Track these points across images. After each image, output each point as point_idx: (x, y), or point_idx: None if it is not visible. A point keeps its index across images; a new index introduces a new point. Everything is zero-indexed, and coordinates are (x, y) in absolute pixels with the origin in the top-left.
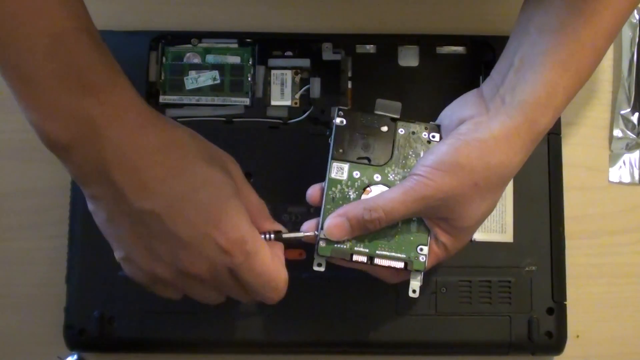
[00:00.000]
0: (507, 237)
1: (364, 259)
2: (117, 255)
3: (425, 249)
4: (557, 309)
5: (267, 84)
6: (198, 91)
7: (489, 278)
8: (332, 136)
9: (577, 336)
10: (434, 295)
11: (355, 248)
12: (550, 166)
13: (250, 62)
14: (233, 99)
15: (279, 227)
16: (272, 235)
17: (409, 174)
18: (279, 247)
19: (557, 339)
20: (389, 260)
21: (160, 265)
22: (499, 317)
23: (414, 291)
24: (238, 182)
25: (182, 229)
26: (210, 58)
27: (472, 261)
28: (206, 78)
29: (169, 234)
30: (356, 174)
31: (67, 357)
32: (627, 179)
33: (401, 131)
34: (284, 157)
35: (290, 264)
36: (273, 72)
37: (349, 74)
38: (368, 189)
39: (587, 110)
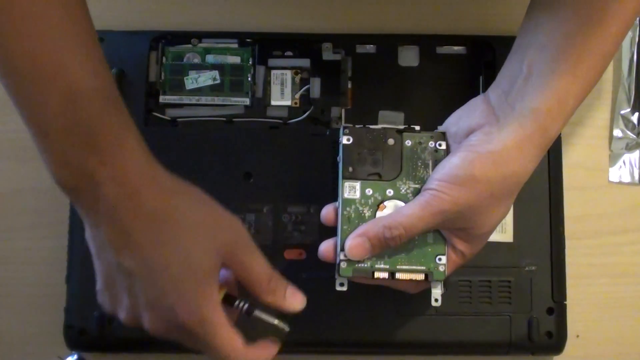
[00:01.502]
0: (507, 237)
1: (385, 275)
2: (97, 284)
3: (444, 258)
4: (557, 309)
5: (267, 84)
6: (198, 91)
7: (489, 278)
8: (340, 156)
9: (577, 336)
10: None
11: (376, 265)
12: (550, 166)
13: (250, 62)
14: (233, 99)
15: (279, 302)
16: (245, 307)
17: (424, 188)
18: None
19: (557, 339)
20: (409, 273)
21: (124, 313)
22: (499, 317)
23: (436, 300)
24: (239, 250)
25: (152, 295)
26: (210, 58)
27: (472, 261)
28: (206, 78)
29: (139, 294)
30: (368, 192)
31: (67, 357)
32: (627, 179)
33: (408, 142)
34: (284, 157)
35: (290, 264)
36: (273, 72)
37: (349, 74)
38: (382, 204)
39: (587, 110)
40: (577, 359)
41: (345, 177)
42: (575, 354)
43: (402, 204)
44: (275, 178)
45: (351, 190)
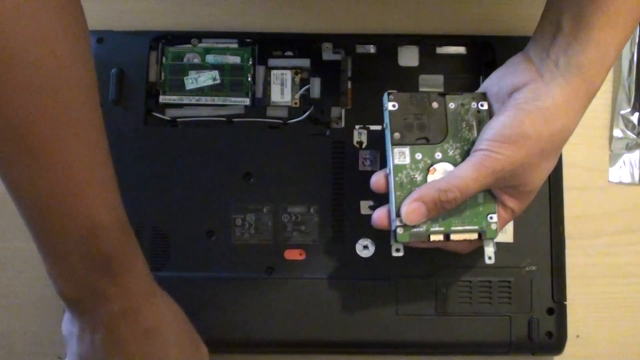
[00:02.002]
0: (507, 237)
1: (440, 237)
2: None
3: (495, 217)
4: (557, 309)
5: (267, 84)
6: (198, 91)
7: (489, 278)
8: (387, 122)
9: (577, 336)
10: (434, 295)
11: (432, 229)
12: None
13: (250, 62)
14: (233, 99)
15: None
16: None
17: (474, 149)
18: None
19: (557, 339)
20: (463, 234)
21: None
22: (499, 317)
23: (490, 257)
24: None
25: None
26: (210, 58)
27: (472, 261)
28: (206, 78)
29: None
30: (418, 156)
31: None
32: (627, 179)
33: (451, 105)
34: (284, 157)
35: (290, 264)
36: (273, 72)
37: (349, 74)
38: (432, 168)
39: (587, 110)
40: (577, 359)
41: (394, 143)
42: (575, 354)
43: (451, 166)
44: (275, 178)
45: (401, 156)
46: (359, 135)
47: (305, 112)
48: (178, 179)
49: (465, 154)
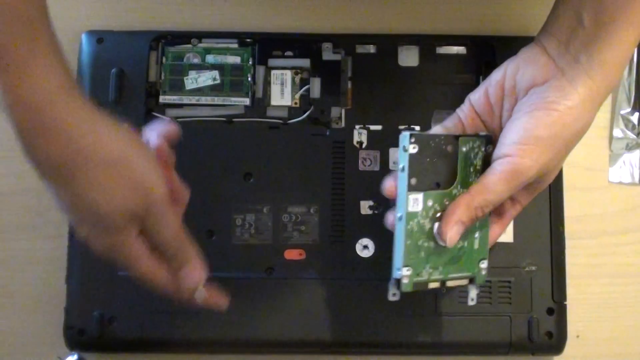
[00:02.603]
0: (507, 237)
1: (437, 285)
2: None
3: (486, 262)
4: (557, 309)
5: (267, 84)
6: (198, 91)
7: (489, 278)
8: (405, 165)
9: (577, 336)
10: (434, 296)
11: (432, 277)
12: None
13: (250, 62)
14: (233, 99)
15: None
16: None
17: (501, 153)
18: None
19: (557, 339)
20: (458, 280)
21: (77, 234)
22: (499, 317)
23: (472, 299)
24: (149, 218)
25: (79, 205)
26: (210, 58)
27: None
28: (206, 78)
29: (70, 210)
30: (429, 203)
31: (67, 357)
32: (627, 179)
33: (464, 148)
34: (284, 157)
35: (290, 264)
36: (273, 72)
37: (349, 74)
38: (440, 214)
39: None
40: (577, 359)
41: (411, 189)
42: (575, 354)
43: None
44: (275, 178)
45: (415, 203)
46: (359, 135)
47: (305, 112)
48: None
49: None
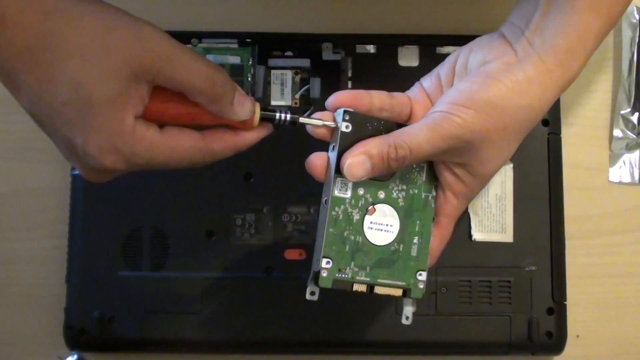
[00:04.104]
0: (507, 237)
1: (364, 288)
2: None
3: (424, 275)
4: (557, 309)
5: (267, 84)
6: None
7: (489, 278)
8: (336, 144)
9: (577, 336)
10: (434, 295)
11: (357, 277)
12: (550, 166)
13: (250, 62)
14: None
15: (224, 112)
16: (289, 117)
17: (432, 110)
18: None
19: (557, 339)
20: (388, 288)
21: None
22: (499, 317)
23: (407, 318)
24: (159, 64)
25: (62, 141)
26: (210, 58)
27: (472, 261)
28: None
29: (54, 139)
30: (360, 191)
31: (67, 357)
32: (627, 179)
33: None
34: (284, 157)
35: (290, 264)
36: (273, 72)
37: (349, 74)
38: (372, 207)
39: (587, 110)
40: (577, 359)
41: (338, 172)
42: (575, 354)
43: (392, 209)
44: (275, 178)
45: (343, 187)
46: None
47: (305, 112)
48: (178, 179)
49: (409, 199)
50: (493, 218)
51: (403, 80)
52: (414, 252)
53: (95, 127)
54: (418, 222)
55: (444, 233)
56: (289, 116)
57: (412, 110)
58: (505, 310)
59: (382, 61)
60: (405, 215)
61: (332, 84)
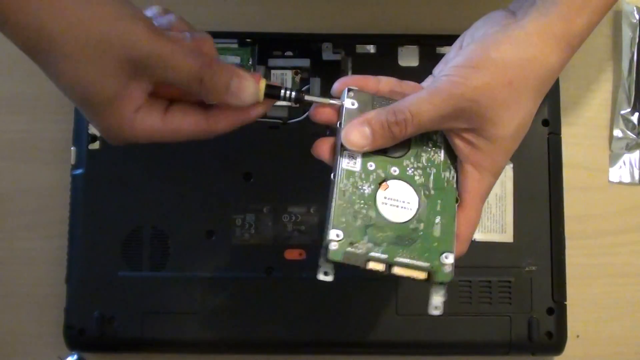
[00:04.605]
0: (507, 237)
1: (381, 267)
2: None
3: (451, 257)
4: (557, 309)
5: None
6: None
7: (489, 278)
8: (342, 121)
9: (577, 336)
10: None
11: (372, 253)
12: (550, 166)
13: (250, 62)
14: None
15: (222, 98)
16: (294, 94)
17: (436, 76)
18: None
19: (557, 339)
20: (409, 269)
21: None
22: (499, 317)
23: (436, 307)
24: (147, 66)
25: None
26: None
27: (472, 261)
28: None
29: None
30: (371, 166)
31: (67, 357)
32: (627, 179)
33: None
34: (284, 157)
35: (290, 264)
36: (273, 72)
37: (349, 74)
38: (385, 183)
39: (587, 110)
40: (577, 359)
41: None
42: (575, 354)
43: (408, 186)
44: (275, 178)
45: (351, 160)
46: None
47: (305, 112)
48: (178, 178)
49: (426, 175)
50: (493, 218)
51: (403, 80)
52: (436, 233)
53: (97, 120)
54: (439, 201)
55: (471, 214)
56: (294, 93)
57: None
58: (505, 310)
59: (382, 61)
60: (424, 194)
61: (332, 84)
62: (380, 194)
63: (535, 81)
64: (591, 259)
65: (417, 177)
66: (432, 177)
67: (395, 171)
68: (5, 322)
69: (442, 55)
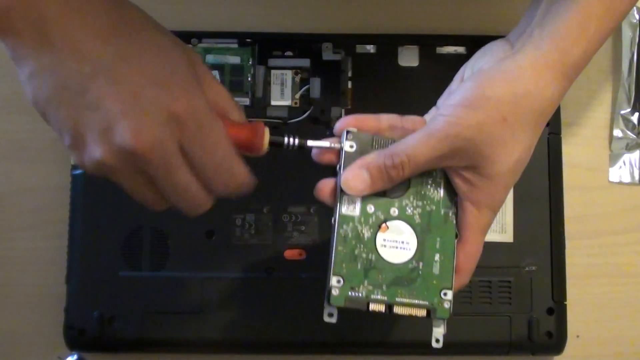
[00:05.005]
0: (507, 237)
1: (381, 308)
2: (65, 142)
3: (450, 294)
4: (557, 309)
5: (267, 84)
6: None
7: (489, 278)
8: (341, 164)
9: (577, 336)
10: None
11: (373, 296)
12: (550, 166)
13: (250, 62)
14: None
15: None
16: (297, 142)
17: (432, 117)
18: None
19: (557, 339)
20: (410, 308)
21: (102, 144)
22: (499, 317)
23: (437, 340)
24: (199, 70)
25: (126, 90)
26: (210, 58)
27: None
28: None
29: (112, 99)
30: (370, 209)
31: (67, 357)
32: (627, 179)
33: None
34: (284, 157)
35: (290, 264)
36: (273, 72)
37: (349, 74)
38: (384, 225)
39: (587, 110)
40: (577, 359)
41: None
42: (575, 354)
43: (407, 226)
44: (275, 178)
45: (350, 205)
46: None
47: (305, 112)
48: None
49: (426, 215)
50: None
51: (403, 80)
52: (436, 270)
53: (178, 81)
54: (438, 238)
55: (471, 249)
56: (297, 140)
57: None
58: (505, 310)
59: (382, 61)
60: (423, 232)
61: (332, 84)
62: (380, 236)
63: (530, 115)
64: (591, 259)
65: (416, 217)
66: (431, 214)
67: (394, 212)
68: (5, 322)
69: (442, 55)
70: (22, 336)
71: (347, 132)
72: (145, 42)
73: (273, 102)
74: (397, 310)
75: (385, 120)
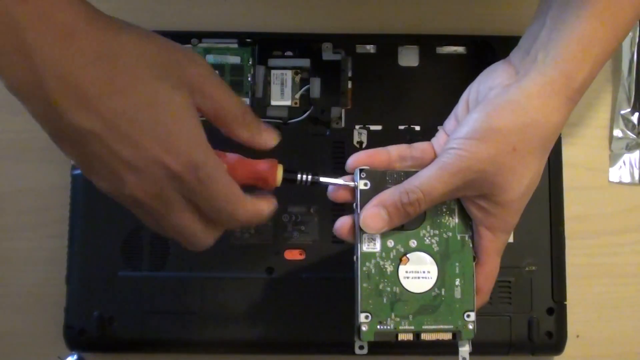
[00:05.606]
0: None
1: (409, 337)
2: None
3: (473, 315)
4: (557, 309)
5: (267, 84)
6: None
7: None
8: (357, 203)
9: (577, 336)
10: None
11: (400, 327)
12: (550, 166)
13: (250, 62)
14: None
15: (255, 138)
16: (310, 178)
17: (443, 149)
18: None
19: (557, 339)
20: (436, 333)
21: (109, 186)
22: (499, 317)
23: (463, 359)
24: (207, 84)
25: (126, 151)
26: (210, 58)
27: None
28: None
29: (112, 156)
30: (390, 243)
31: (67, 357)
32: (627, 179)
33: None
34: (284, 157)
35: (290, 264)
36: (273, 72)
37: (349, 74)
38: (405, 257)
39: (587, 110)
40: (577, 359)
41: None
42: (575, 354)
43: (427, 255)
44: None
45: (370, 242)
46: (359, 135)
47: (305, 112)
48: None
49: (443, 243)
50: None
51: (403, 80)
52: (457, 295)
53: (174, 134)
54: (457, 264)
55: (488, 270)
56: (310, 177)
57: (435, 155)
58: (505, 310)
59: (382, 61)
60: (443, 259)
61: (332, 84)
62: (402, 268)
63: (539, 142)
64: (591, 259)
65: (434, 245)
66: (448, 241)
67: (413, 243)
68: (5, 322)
69: (442, 55)
70: (22, 336)
71: (361, 170)
72: (142, 98)
73: (273, 102)
74: (425, 336)
75: (395, 151)
